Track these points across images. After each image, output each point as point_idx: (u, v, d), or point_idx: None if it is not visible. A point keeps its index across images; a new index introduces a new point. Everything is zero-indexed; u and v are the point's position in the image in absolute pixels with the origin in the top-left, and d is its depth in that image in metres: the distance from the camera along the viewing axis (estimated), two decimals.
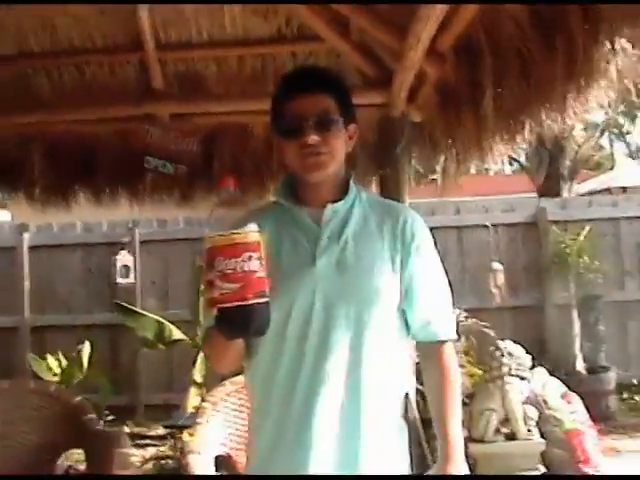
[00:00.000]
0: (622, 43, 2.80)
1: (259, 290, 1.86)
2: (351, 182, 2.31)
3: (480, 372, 6.62)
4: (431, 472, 2.23)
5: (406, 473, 2.25)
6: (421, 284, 2.26)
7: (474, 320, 7.57)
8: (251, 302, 1.83)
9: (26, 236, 9.19)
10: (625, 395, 8.64)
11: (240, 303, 1.82)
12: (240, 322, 1.86)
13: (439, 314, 2.32)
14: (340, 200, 2.25)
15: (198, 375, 7.05)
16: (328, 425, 2.10)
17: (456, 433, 2.24)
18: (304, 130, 2.18)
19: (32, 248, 9.21)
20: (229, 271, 1.81)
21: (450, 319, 2.36)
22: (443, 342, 2.33)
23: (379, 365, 2.16)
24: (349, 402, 2.12)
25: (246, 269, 1.82)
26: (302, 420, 2.11)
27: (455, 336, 2.35)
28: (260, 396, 2.24)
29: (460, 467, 2.19)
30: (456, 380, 2.33)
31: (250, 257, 1.83)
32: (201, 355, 7.13)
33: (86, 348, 7.86)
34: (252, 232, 1.85)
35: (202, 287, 1.95)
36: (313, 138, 2.17)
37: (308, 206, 2.27)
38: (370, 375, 2.14)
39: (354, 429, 2.12)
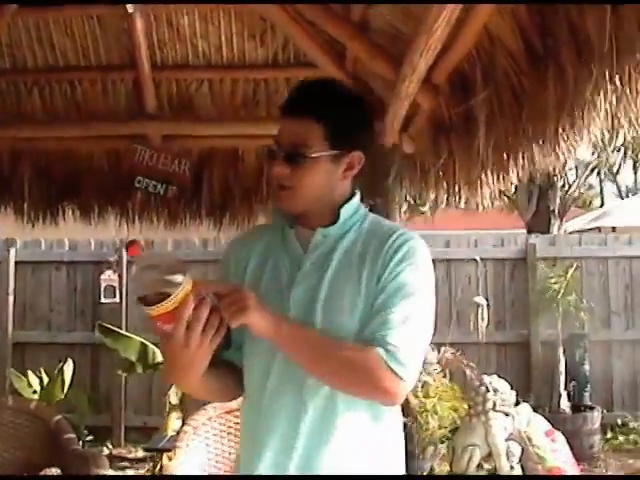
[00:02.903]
0: (615, 81, 2.79)
1: None
2: (353, 204, 2.14)
3: (464, 407, 6.61)
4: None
5: None
6: (382, 302, 1.98)
7: (453, 355, 7.58)
8: None
9: (12, 251, 9.12)
10: (609, 435, 8.59)
11: None
12: None
13: (389, 333, 1.93)
14: (335, 224, 2.10)
15: (177, 398, 6.99)
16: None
17: (301, 332, 1.95)
18: (275, 158, 2.06)
19: (18, 263, 9.15)
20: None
21: (408, 351, 1.94)
22: (378, 354, 1.91)
23: (344, 406, 1.99)
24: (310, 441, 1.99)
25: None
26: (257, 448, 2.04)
27: (403, 370, 1.92)
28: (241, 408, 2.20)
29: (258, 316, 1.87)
30: (359, 368, 1.92)
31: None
32: None
33: (68, 366, 7.81)
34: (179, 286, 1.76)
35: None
36: (279, 170, 2.05)
37: (303, 228, 2.13)
38: (332, 416, 1.99)
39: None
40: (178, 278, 1.73)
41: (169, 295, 1.72)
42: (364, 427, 2.03)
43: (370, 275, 2.01)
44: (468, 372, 7.38)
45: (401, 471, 2.15)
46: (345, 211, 2.11)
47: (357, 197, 2.17)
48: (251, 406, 2.10)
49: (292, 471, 1.98)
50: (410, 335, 1.95)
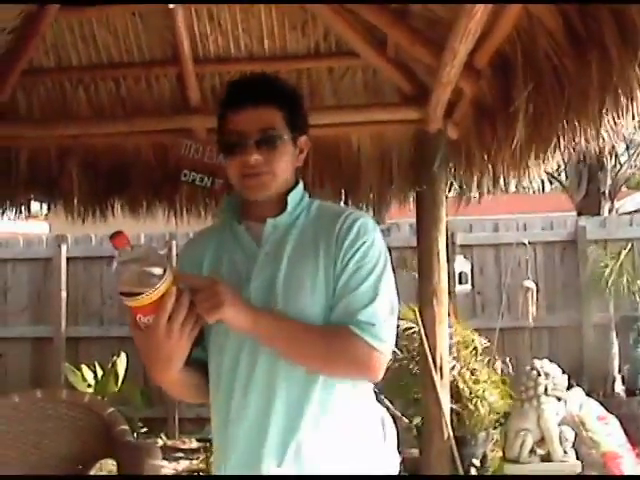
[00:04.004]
0: None
1: None
2: (298, 191, 2.18)
3: (511, 394, 6.60)
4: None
5: None
6: (345, 283, 2.02)
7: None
8: None
9: (64, 247, 9.25)
10: None
11: None
12: None
13: (359, 311, 1.99)
14: (282, 213, 2.13)
15: None
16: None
17: (278, 322, 1.97)
18: (246, 148, 2.05)
19: (70, 259, 9.28)
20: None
21: (382, 324, 2.00)
22: (353, 332, 1.97)
23: (309, 393, 2.00)
24: (278, 422, 1.99)
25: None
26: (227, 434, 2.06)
27: (380, 343, 1.99)
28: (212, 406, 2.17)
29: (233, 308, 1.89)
30: (334, 348, 1.98)
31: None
32: None
33: (122, 360, 7.91)
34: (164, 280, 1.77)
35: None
36: (255, 158, 2.04)
37: (252, 222, 2.15)
38: (298, 402, 1.99)
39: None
40: (159, 270, 1.75)
41: (150, 288, 1.74)
42: (338, 405, 2.03)
43: (326, 259, 2.04)
44: (499, 365, 7.37)
45: (379, 446, 2.14)
46: (292, 198, 2.14)
47: (300, 185, 2.21)
48: (220, 401, 2.09)
49: (267, 450, 1.97)
50: (380, 309, 2.01)
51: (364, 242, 2.05)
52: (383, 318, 2.00)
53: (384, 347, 2.00)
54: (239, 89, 2.15)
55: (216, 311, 1.84)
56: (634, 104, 3.20)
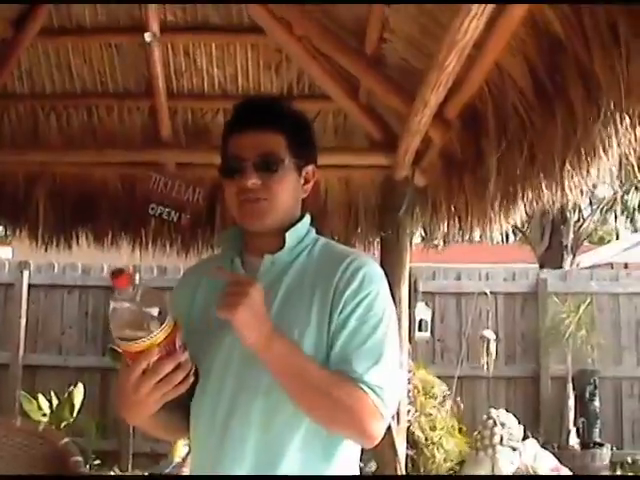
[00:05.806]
0: (624, 119, 2.80)
1: None
2: (302, 226, 2.06)
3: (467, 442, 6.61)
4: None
5: None
6: (346, 341, 1.87)
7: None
8: None
9: (26, 274, 9.19)
10: (619, 472, 8.54)
11: None
12: None
13: (365, 373, 1.84)
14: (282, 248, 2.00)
15: None
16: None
17: (293, 354, 1.83)
18: (243, 171, 1.95)
19: (31, 286, 9.21)
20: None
21: (389, 389, 1.86)
22: (364, 391, 1.83)
23: (293, 442, 1.88)
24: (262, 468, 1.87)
25: None
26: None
27: (386, 410, 1.85)
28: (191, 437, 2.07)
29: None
30: (344, 402, 1.82)
31: None
32: None
33: (79, 390, 7.85)
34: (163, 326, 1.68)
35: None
36: (253, 182, 1.94)
37: (251, 256, 2.04)
38: (282, 449, 1.87)
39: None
40: (155, 311, 1.65)
41: (145, 330, 1.64)
42: (313, 460, 1.90)
43: (322, 305, 1.91)
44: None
45: None
46: (292, 234, 2.02)
47: (306, 220, 2.10)
48: (198, 443, 2.01)
49: None
50: (387, 371, 1.86)
51: (367, 294, 1.92)
52: (389, 381, 1.86)
53: (388, 414, 1.86)
54: (242, 113, 2.06)
55: (229, 310, 1.72)
56: (596, 161, 3.26)
